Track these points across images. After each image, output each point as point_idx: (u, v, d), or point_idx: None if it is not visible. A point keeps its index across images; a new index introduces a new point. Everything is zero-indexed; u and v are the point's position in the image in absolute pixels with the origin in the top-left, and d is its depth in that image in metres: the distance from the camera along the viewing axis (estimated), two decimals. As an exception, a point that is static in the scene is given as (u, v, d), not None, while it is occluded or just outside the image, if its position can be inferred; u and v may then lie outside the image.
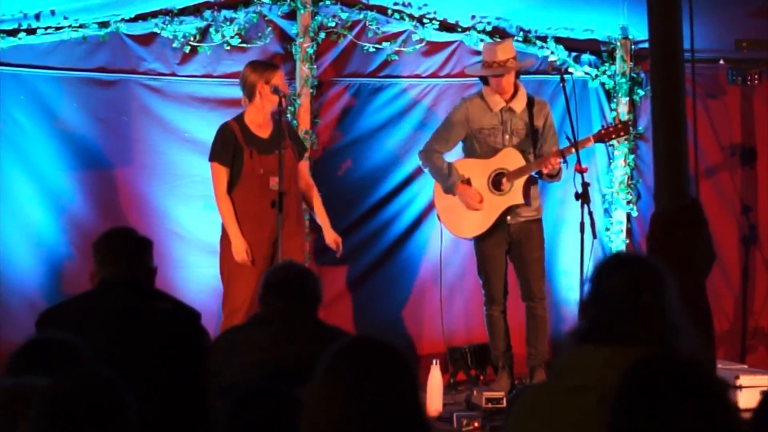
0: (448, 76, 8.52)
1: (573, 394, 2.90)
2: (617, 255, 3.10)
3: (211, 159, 7.08)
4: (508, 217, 7.52)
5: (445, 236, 8.48)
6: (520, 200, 7.48)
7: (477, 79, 8.39)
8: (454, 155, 7.69)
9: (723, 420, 2.45)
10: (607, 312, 3.01)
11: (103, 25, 7.92)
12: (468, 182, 7.52)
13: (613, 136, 7.64)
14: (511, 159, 7.50)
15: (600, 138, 7.65)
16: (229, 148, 6.99)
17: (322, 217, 7.35)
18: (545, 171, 7.38)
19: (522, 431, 3.04)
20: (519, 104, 7.52)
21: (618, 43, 8.72)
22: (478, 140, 7.52)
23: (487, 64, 7.48)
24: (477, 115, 7.51)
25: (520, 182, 7.49)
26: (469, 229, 7.58)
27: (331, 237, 7.33)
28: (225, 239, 7.03)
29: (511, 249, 7.57)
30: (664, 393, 2.45)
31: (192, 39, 8.08)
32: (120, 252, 4.57)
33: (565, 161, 7.47)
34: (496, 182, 7.51)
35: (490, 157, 7.51)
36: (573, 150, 7.48)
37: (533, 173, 7.51)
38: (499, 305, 7.55)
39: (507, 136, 7.51)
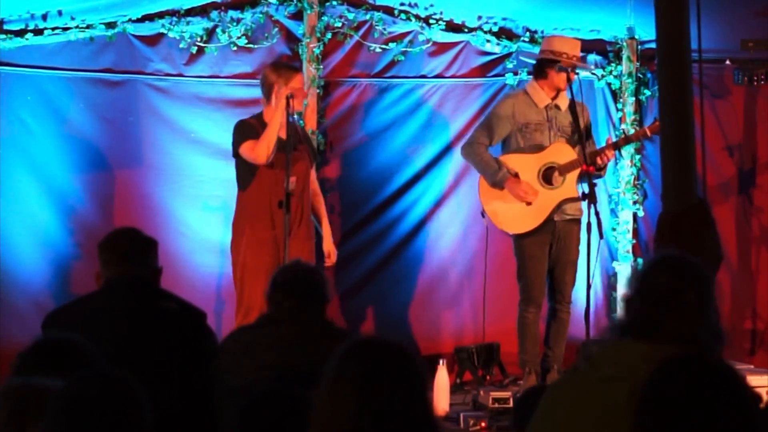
0: (454, 76, 8.52)
1: (605, 384, 2.92)
2: (666, 254, 3.11)
3: (239, 145, 6.94)
4: (555, 215, 7.39)
5: (452, 235, 8.51)
6: (574, 193, 7.36)
7: (483, 79, 8.40)
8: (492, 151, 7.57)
9: (747, 425, 2.46)
10: (650, 309, 3.04)
11: (110, 25, 7.93)
12: (516, 177, 7.36)
13: None
14: (561, 152, 7.39)
15: (655, 130, 7.60)
16: (255, 134, 6.93)
17: (325, 226, 7.31)
18: (599, 163, 7.30)
19: (551, 416, 3.06)
20: (563, 103, 7.44)
21: (624, 44, 8.72)
22: (523, 136, 7.39)
23: (566, 57, 7.37)
24: (523, 110, 7.39)
25: (572, 176, 7.37)
26: (520, 223, 7.38)
27: (328, 246, 7.29)
28: (236, 241, 7.02)
29: (551, 248, 7.44)
30: (691, 394, 2.47)
31: (199, 39, 8.09)
32: (125, 252, 4.56)
33: (620, 152, 7.47)
34: (547, 176, 7.38)
35: (536, 152, 7.39)
36: (626, 142, 7.51)
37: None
38: (537, 307, 7.41)
39: (552, 133, 7.41)
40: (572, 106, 7.38)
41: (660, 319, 3.02)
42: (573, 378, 3.24)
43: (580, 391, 3.03)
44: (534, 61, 7.58)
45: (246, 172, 6.98)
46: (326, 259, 7.21)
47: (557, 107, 7.43)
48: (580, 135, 7.29)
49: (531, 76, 7.62)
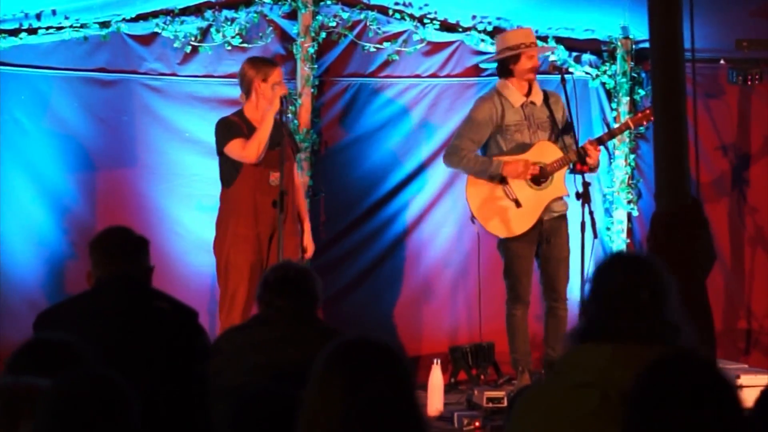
0: (448, 76, 8.52)
1: (575, 391, 2.92)
2: (616, 254, 3.13)
3: (225, 143, 6.96)
4: (543, 214, 7.37)
5: (446, 234, 8.51)
6: (564, 192, 7.33)
7: (477, 78, 8.40)
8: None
9: (736, 419, 2.47)
10: (605, 310, 3.04)
11: (104, 25, 7.93)
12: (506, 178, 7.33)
13: (651, 119, 7.46)
14: (546, 151, 7.36)
15: (638, 121, 7.58)
16: (241, 132, 6.95)
17: (303, 220, 7.31)
18: (588, 161, 7.26)
19: (523, 430, 3.05)
20: (537, 97, 7.41)
21: (619, 43, 8.72)
22: (504, 138, 7.36)
23: (524, 45, 7.31)
24: (501, 113, 7.36)
25: (560, 174, 7.35)
26: (514, 226, 7.32)
27: (306, 241, 7.28)
28: (219, 237, 7.03)
29: (540, 246, 7.40)
30: (682, 393, 2.47)
31: (193, 39, 8.09)
32: (116, 251, 4.54)
33: (607, 148, 7.43)
34: (535, 177, 7.33)
35: (520, 153, 7.36)
36: (610, 137, 7.52)
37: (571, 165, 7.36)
38: (525, 305, 7.39)
39: (532, 131, 7.38)
40: (546, 99, 7.38)
41: (615, 319, 3.02)
42: (542, 388, 3.23)
43: (551, 399, 3.02)
44: (496, 64, 7.56)
45: (231, 169, 6.99)
46: (304, 254, 7.21)
47: (533, 103, 7.42)
48: (558, 128, 7.30)
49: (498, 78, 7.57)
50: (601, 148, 7.44)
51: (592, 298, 3.10)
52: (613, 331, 3.00)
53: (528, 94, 7.41)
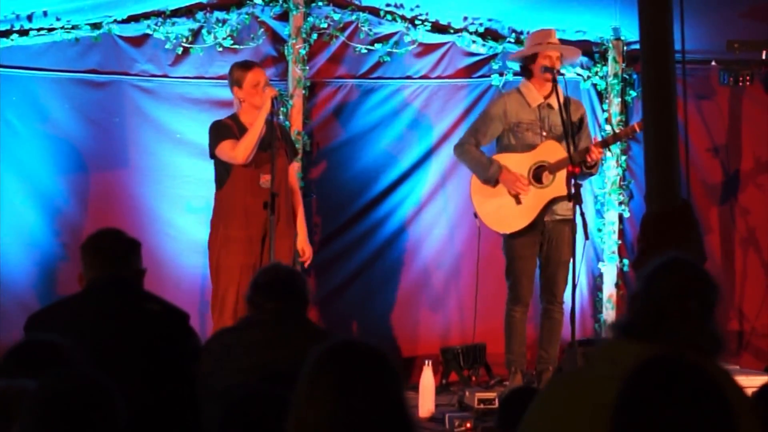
0: (439, 77, 8.53)
1: (599, 382, 2.92)
2: (675, 257, 3.10)
3: (216, 145, 6.96)
4: (545, 216, 7.37)
5: (437, 236, 8.52)
6: (563, 192, 7.31)
7: (469, 80, 8.41)
8: (486, 151, 7.56)
9: (725, 422, 2.47)
10: (652, 310, 3.04)
11: (96, 26, 7.92)
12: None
13: None
14: (551, 151, 7.37)
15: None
16: (232, 134, 6.94)
17: (300, 224, 7.29)
18: (588, 161, 7.28)
19: (545, 413, 3.07)
20: (556, 101, 7.40)
21: (610, 44, 8.73)
22: (515, 135, 7.40)
23: (538, 45, 7.39)
24: (515, 109, 7.40)
25: (561, 174, 7.35)
26: (511, 222, 7.37)
27: (302, 244, 7.27)
28: (212, 239, 7.02)
29: (541, 249, 7.43)
30: (666, 395, 2.47)
31: (184, 40, 8.08)
32: (108, 254, 4.55)
33: (610, 150, 7.39)
34: (537, 175, 7.37)
35: (526, 151, 7.39)
36: (615, 140, 7.51)
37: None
38: (524, 306, 7.41)
39: (544, 132, 7.40)
40: (566, 104, 7.38)
41: (660, 322, 3.02)
42: (569, 375, 3.24)
43: (575, 388, 3.04)
44: (520, 63, 7.60)
45: (223, 171, 7.00)
46: (301, 258, 7.20)
47: (550, 106, 7.41)
48: (572, 133, 7.29)
49: (522, 77, 7.62)
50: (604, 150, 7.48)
51: (642, 296, 3.09)
52: (653, 332, 3.01)
53: (548, 96, 7.40)
